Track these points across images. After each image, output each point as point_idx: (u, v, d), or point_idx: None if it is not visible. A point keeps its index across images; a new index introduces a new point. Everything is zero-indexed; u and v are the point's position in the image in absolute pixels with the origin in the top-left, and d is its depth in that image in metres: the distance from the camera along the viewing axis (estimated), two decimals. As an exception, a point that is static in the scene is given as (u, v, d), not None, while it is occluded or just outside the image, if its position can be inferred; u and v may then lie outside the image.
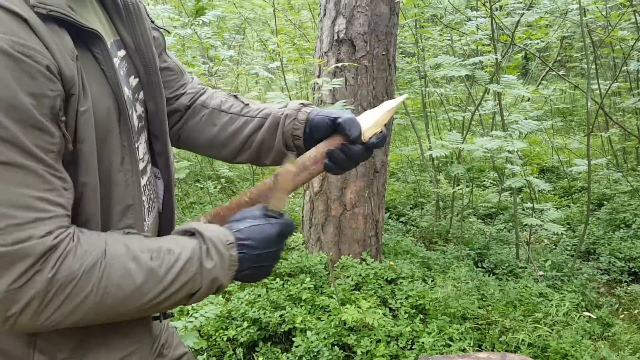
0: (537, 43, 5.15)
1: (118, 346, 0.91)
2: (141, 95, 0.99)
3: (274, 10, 3.32)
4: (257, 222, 0.91)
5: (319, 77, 3.23)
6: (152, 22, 1.09)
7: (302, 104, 1.12)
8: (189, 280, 0.82)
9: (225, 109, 1.17)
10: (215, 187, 5.36)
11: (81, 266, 0.73)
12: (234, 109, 1.16)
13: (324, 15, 3.30)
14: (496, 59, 3.11)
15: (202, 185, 5.45)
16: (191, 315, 2.42)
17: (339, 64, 3.16)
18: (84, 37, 0.80)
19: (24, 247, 0.68)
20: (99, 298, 0.74)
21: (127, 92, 0.91)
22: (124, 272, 0.76)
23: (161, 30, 1.14)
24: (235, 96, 1.20)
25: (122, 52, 0.94)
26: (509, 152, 2.68)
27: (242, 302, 2.84)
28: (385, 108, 1.04)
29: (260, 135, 1.12)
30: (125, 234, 0.83)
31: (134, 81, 0.96)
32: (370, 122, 1.02)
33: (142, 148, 0.98)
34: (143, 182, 0.98)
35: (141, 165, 0.96)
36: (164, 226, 1.10)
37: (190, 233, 0.88)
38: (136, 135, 0.94)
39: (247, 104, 1.17)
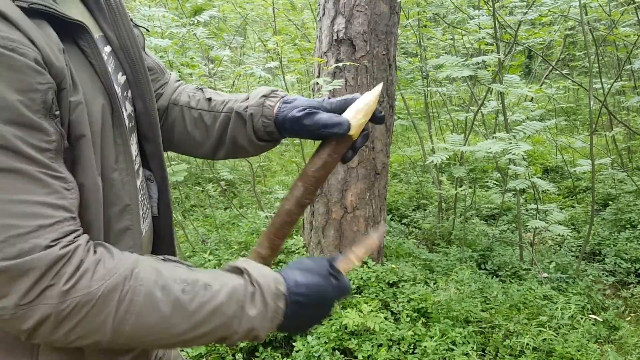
0: (540, 41, 5.10)
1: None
2: (129, 93, 0.95)
3: (273, 9, 3.29)
4: (318, 280, 0.85)
5: (318, 77, 3.19)
6: (131, 19, 1.05)
7: (264, 95, 1.05)
8: (223, 323, 0.76)
9: (194, 105, 1.11)
10: (215, 190, 5.33)
11: (100, 287, 0.68)
12: (201, 105, 1.11)
13: (323, 14, 3.26)
14: (499, 58, 3.06)
15: (202, 188, 5.42)
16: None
17: (339, 64, 3.12)
18: (69, 31, 0.76)
19: (28, 260, 0.64)
20: (116, 324, 0.69)
21: (116, 88, 0.87)
22: (148, 301, 0.71)
23: (140, 28, 1.10)
24: (202, 89, 1.15)
25: (107, 48, 0.90)
26: (514, 154, 2.64)
27: (241, 307, 2.80)
28: (369, 97, 0.98)
29: (229, 132, 1.07)
30: (162, 260, 0.79)
31: (121, 78, 0.92)
32: (354, 112, 0.97)
33: (133, 149, 0.94)
34: (137, 183, 0.94)
35: (134, 168, 0.92)
36: (161, 231, 1.06)
37: (239, 271, 0.83)
38: (128, 134, 0.89)
39: (210, 98, 1.11)
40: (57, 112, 0.70)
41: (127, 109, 0.93)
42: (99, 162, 0.78)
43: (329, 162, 0.99)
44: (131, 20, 1.04)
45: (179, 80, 1.22)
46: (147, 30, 1.16)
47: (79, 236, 0.70)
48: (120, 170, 0.84)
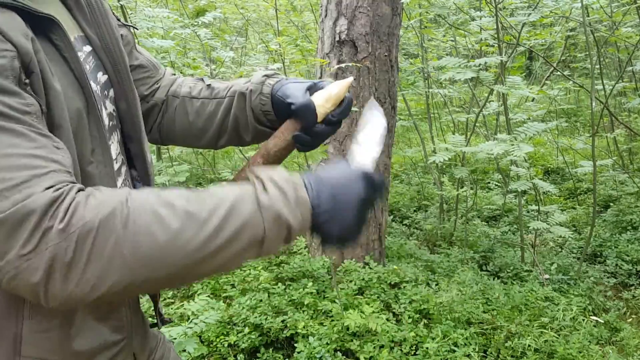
0: (542, 43, 5.10)
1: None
2: (111, 92, 0.94)
3: (275, 11, 3.29)
4: (339, 166, 0.82)
5: (320, 78, 3.19)
6: (119, 19, 1.05)
7: (265, 75, 1.05)
8: (245, 223, 0.70)
9: (196, 95, 1.11)
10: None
11: (96, 215, 0.64)
12: (203, 93, 1.11)
13: (325, 15, 3.26)
14: (501, 60, 3.07)
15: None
16: (191, 321, 2.38)
17: (341, 65, 3.12)
18: (40, 26, 0.75)
19: (23, 205, 0.61)
20: (129, 250, 0.65)
21: (94, 86, 0.86)
22: (154, 218, 0.66)
23: (130, 27, 1.10)
24: (202, 79, 1.15)
25: (87, 48, 0.89)
26: (515, 156, 2.64)
27: (243, 308, 2.81)
28: (339, 86, 0.98)
29: (232, 115, 1.06)
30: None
31: (102, 77, 0.91)
32: (324, 100, 0.97)
33: (114, 148, 0.93)
34: (118, 183, 0.93)
35: (115, 166, 0.91)
36: None
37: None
38: (107, 133, 0.89)
39: (211, 85, 1.11)
40: (27, 81, 0.68)
41: (108, 108, 0.93)
42: (74, 154, 0.76)
43: (279, 138, 0.98)
44: (119, 20, 1.04)
45: (174, 74, 1.21)
46: (137, 29, 1.15)
47: (74, 184, 0.68)
48: (97, 162, 0.83)
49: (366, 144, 0.96)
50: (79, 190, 0.67)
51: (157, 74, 1.17)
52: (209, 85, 1.12)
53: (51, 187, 0.64)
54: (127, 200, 0.67)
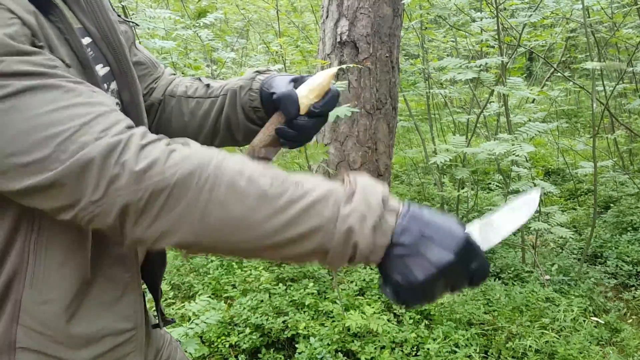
0: (543, 44, 5.11)
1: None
2: (113, 85, 0.93)
3: (277, 12, 3.29)
4: (446, 219, 0.72)
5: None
6: (119, 15, 1.04)
7: (257, 71, 1.04)
8: (318, 225, 0.67)
9: (191, 94, 1.10)
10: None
11: (175, 173, 0.64)
12: (199, 93, 1.10)
13: (327, 17, 3.27)
14: (502, 61, 3.07)
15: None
16: (192, 322, 2.38)
17: (342, 66, 3.12)
18: (40, 10, 0.74)
19: (82, 154, 0.63)
20: (198, 215, 0.65)
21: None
22: (231, 192, 0.65)
23: (129, 23, 1.09)
24: (199, 79, 1.14)
25: (87, 39, 0.88)
26: (517, 156, 2.64)
27: (244, 308, 2.81)
28: (323, 76, 0.97)
29: (224, 114, 1.05)
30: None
31: (103, 70, 0.90)
32: (307, 91, 0.96)
33: None
34: None
35: None
36: None
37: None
38: None
39: (208, 85, 1.10)
40: (41, 44, 0.69)
41: None
42: None
43: (264, 133, 0.97)
44: (119, 15, 1.03)
45: (173, 74, 1.21)
46: (137, 25, 1.14)
47: (131, 127, 0.68)
48: None
49: (497, 225, 0.80)
50: (145, 136, 0.68)
51: (156, 72, 1.16)
52: (206, 85, 1.11)
53: (105, 130, 0.65)
54: (211, 162, 0.67)
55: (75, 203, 0.65)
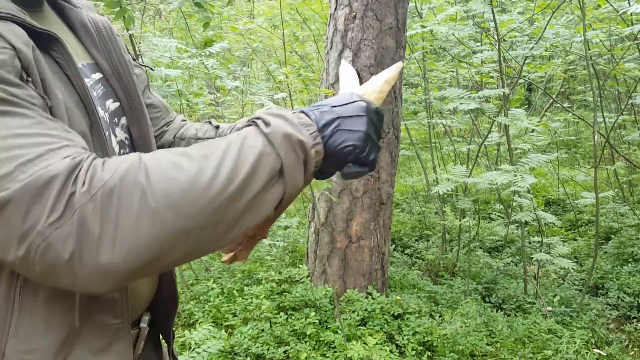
0: (542, 76, 5.17)
1: None
2: (123, 120, 0.93)
3: (284, 43, 3.34)
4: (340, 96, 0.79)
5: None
6: (134, 59, 1.05)
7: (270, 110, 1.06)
8: (259, 155, 0.68)
9: (201, 136, 1.12)
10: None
11: (115, 174, 0.62)
12: (208, 134, 1.12)
13: (331, 47, 3.31)
14: (503, 92, 3.11)
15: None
16: (193, 350, 2.36)
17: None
18: (42, 43, 0.75)
19: (44, 171, 0.60)
20: (155, 199, 0.62)
21: (101, 113, 0.86)
22: (172, 166, 0.64)
23: (145, 67, 1.11)
24: (209, 122, 1.16)
25: (97, 75, 0.89)
26: (519, 187, 2.66)
27: (245, 337, 2.78)
28: (392, 70, 0.93)
29: None
30: None
31: (113, 105, 0.91)
32: (383, 84, 0.91)
33: None
34: None
35: None
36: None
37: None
38: (110, 150, 0.87)
39: (218, 126, 1.12)
40: (29, 79, 0.68)
41: (118, 135, 0.92)
42: None
43: None
44: (134, 59, 1.05)
45: (184, 120, 1.23)
46: (152, 69, 1.17)
47: (90, 154, 0.67)
48: None
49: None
50: (94, 156, 0.66)
51: (168, 116, 1.19)
52: (216, 127, 1.13)
53: (68, 156, 0.63)
54: (140, 157, 0.66)
55: (30, 229, 0.60)
